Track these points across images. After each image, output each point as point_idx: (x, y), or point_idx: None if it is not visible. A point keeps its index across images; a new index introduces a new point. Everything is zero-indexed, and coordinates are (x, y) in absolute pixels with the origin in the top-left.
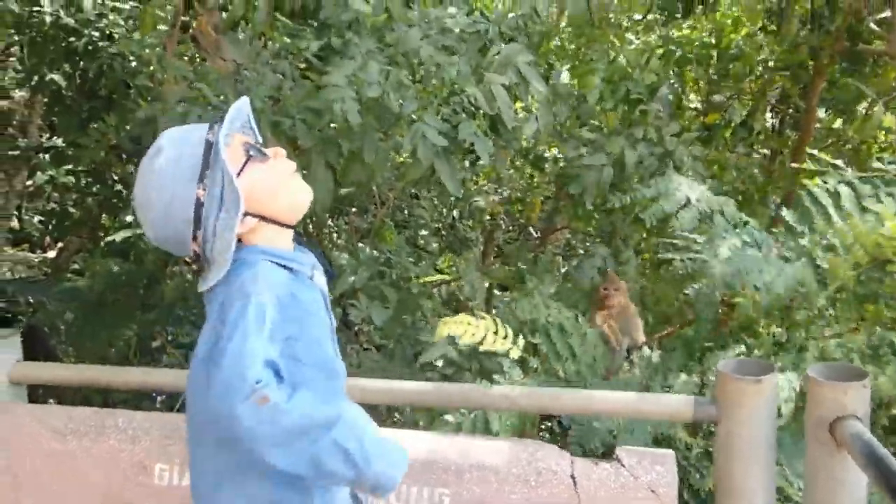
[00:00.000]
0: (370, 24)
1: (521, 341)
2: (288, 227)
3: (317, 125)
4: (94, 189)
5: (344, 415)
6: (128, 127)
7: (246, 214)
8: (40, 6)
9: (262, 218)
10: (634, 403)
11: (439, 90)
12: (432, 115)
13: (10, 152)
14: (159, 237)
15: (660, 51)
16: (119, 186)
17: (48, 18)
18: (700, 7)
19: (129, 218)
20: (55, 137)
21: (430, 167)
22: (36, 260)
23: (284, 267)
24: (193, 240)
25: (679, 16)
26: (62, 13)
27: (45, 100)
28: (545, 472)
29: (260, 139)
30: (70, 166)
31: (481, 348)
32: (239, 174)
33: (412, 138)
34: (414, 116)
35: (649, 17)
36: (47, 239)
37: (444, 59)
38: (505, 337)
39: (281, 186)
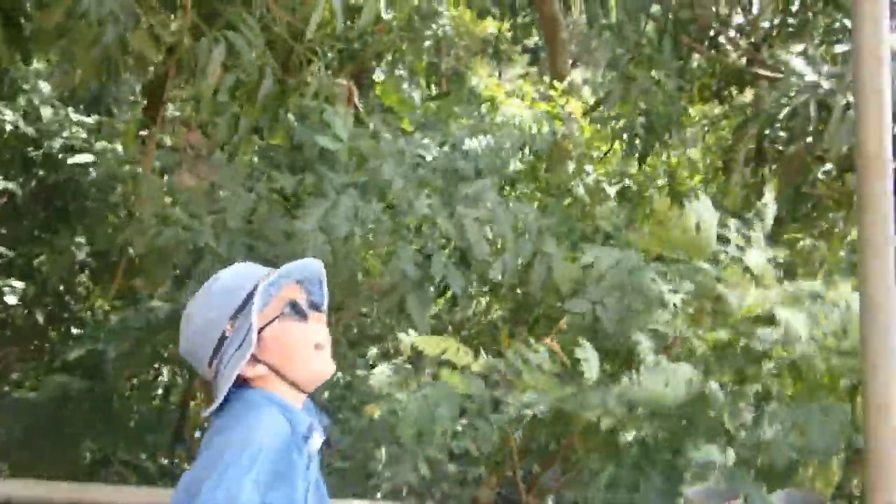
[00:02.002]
0: (346, 155)
1: (482, 359)
2: (301, 390)
3: (292, 252)
4: (45, 302)
5: None
6: (81, 240)
7: (259, 362)
8: (1, 114)
9: (276, 372)
10: None
11: (412, 222)
12: (405, 247)
13: None
14: (187, 350)
15: (616, 187)
16: (68, 298)
17: (8, 127)
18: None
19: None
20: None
21: (401, 298)
22: None
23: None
24: (209, 365)
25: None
26: (21, 123)
27: None
28: None
29: (321, 301)
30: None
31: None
32: (268, 324)
33: (390, 272)
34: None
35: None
36: None
37: (415, 194)
38: (466, 354)
39: (299, 350)
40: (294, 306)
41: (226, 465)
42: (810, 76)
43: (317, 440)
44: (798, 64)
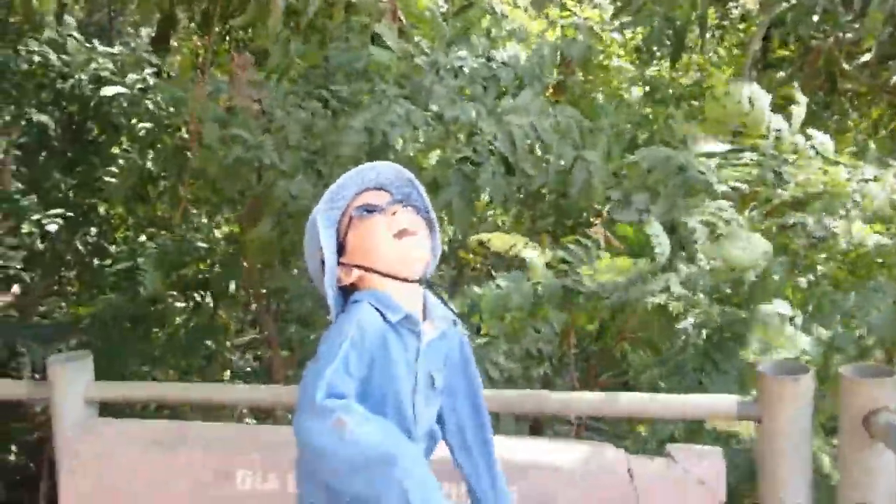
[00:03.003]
0: (392, 71)
1: (548, 252)
2: (397, 279)
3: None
4: (83, 231)
5: (413, 468)
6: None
7: (349, 266)
8: (27, 47)
9: (364, 268)
10: (683, 405)
11: (458, 130)
12: (452, 155)
13: None
14: (315, 283)
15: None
16: (105, 227)
17: (36, 58)
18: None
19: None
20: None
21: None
22: (2, 303)
23: (380, 312)
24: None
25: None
26: (51, 56)
27: (18, 143)
28: (604, 468)
29: (402, 196)
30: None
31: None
32: (347, 232)
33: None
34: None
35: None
36: None
37: (460, 102)
38: (534, 247)
39: (377, 241)
40: (362, 207)
41: (317, 359)
42: None
43: (428, 330)
44: None
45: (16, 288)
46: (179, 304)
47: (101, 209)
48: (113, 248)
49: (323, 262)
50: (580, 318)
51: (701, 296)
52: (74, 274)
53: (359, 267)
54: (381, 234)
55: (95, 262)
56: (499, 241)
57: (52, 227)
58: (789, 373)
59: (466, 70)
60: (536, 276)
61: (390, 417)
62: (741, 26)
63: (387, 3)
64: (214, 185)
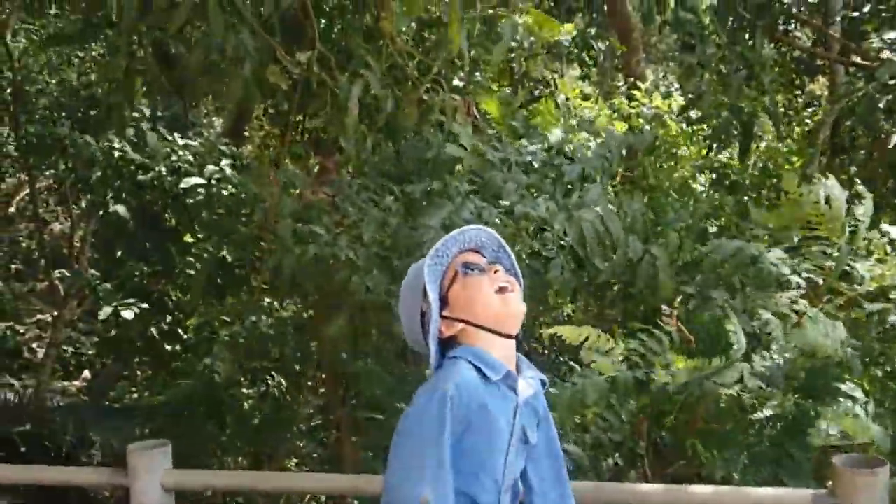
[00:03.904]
0: (465, 165)
1: (622, 344)
2: (498, 334)
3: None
4: (156, 318)
5: None
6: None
7: (452, 319)
8: (110, 141)
9: (467, 322)
10: (756, 498)
11: (529, 226)
12: (523, 249)
13: (61, 283)
14: (411, 341)
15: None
16: (178, 315)
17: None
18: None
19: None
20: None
21: None
22: (73, 388)
23: (479, 370)
24: (425, 340)
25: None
26: (129, 149)
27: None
28: None
29: (496, 258)
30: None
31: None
32: (450, 287)
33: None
34: None
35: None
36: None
37: (530, 198)
38: (607, 341)
39: (480, 296)
40: (466, 265)
41: (414, 409)
42: None
43: (524, 388)
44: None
45: (86, 373)
46: (250, 391)
47: (175, 296)
48: (185, 335)
49: (423, 317)
50: (651, 410)
51: (773, 389)
52: (147, 360)
53: (462, 321)
54: (485, 290)
55: (167, 348)
56: (570, 333)
57: (128, 315)
58: (864, 466)
59: (536, 164)
60: (607, 371)
61: (483, 472)
62: (808, 112)
63: (460, 101)
64: (293, 279)
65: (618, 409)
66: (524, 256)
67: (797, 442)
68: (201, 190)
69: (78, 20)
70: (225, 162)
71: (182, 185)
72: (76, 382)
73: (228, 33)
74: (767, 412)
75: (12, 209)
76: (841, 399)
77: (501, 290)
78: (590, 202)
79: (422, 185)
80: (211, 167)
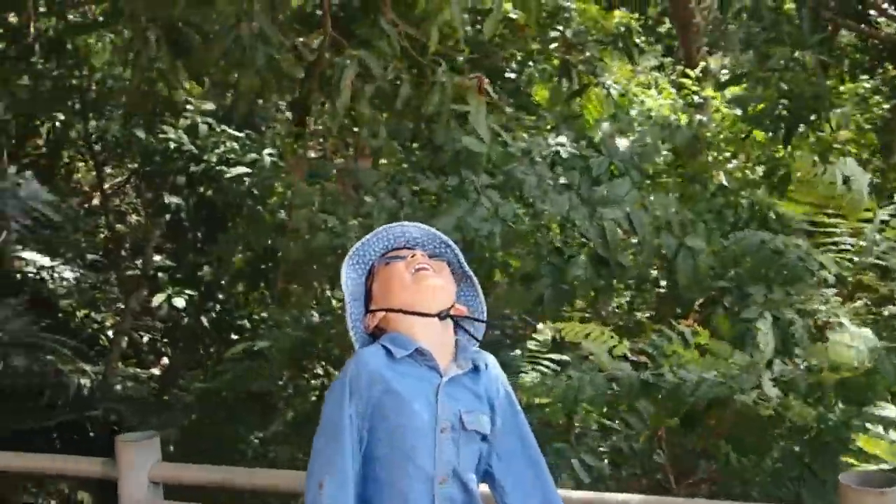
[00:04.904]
0: (484, 159)
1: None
2: (415, 314)
3: None
4: (208, 308)
5: None
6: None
7: (373, 311)
8: (164, 133)
9: (384, 310)
10: None
11: (550, 222)
12: (543, 246)
13: (127, 273)
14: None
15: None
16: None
17: (172, 144)
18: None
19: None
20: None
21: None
22: (145, 376)
23: (388, 351)
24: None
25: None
26: (185, 139)
27: (162, 222)
28: None
29: (415, 243)
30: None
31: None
32: (372, 283)
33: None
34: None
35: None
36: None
37: (553, 192)
38: (611, 337)
39: (395, 280)
40: (385, 257)
41: (320, 432)
42: None
43: (451, 368)
44: None
45: (165, 360)
46: (296, 383)
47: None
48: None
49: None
50: (660, 416)
51: (795, 398)
52: (208, 349)
53: (380, 310)
54: (400, 275)
55: (222, 336)
56: (572, 331)
57: (180, 302)
58: (877, 485)
59: (565, 155)
60: (605, 367)
61: (403, 458)
62: (877, 99)
63: (474, 81)
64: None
65: (625, 410)
66: (545, 254)
67: (823, 459)
68: (247, 179)
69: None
70: (268, 151)
71: (227, 175)
72: (154, 370)
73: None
74: (788, 424)
75: (96, 201)
76: (869, 423)
77: (417, 270)
78: (617, 198)
79: (436, 181)
80: (252, 157)
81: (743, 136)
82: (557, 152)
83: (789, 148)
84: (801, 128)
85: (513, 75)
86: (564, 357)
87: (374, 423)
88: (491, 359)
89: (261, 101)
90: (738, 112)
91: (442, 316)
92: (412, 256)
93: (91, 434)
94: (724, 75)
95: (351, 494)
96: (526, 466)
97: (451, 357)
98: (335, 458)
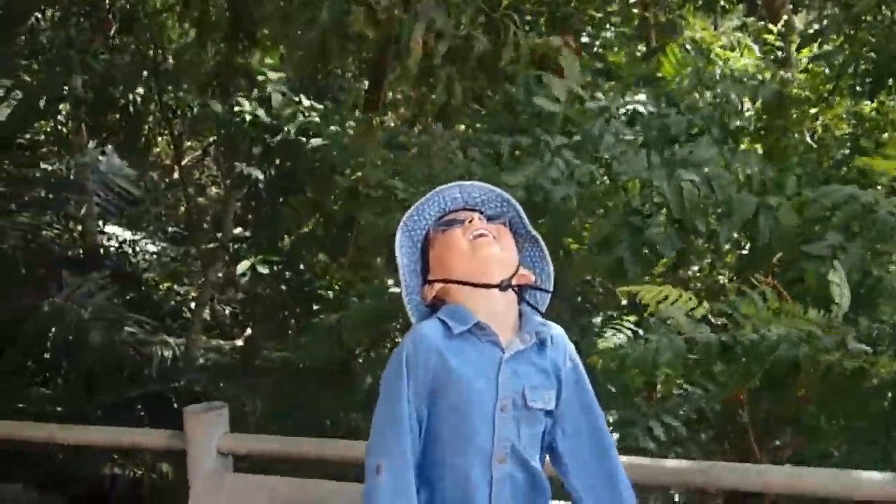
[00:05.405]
0: (562, 117)
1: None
2: (474, 285)
3: None
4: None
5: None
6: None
7: (432, 281)
8: (240, 105)
9: (443, 281)
10: (838, 481)
11: (628, 184)
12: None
13: (207, 245)
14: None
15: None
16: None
17: (247, 116)
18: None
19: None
20: (245, 231)
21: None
22: (227, 347)
23: (446, 325)
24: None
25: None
26: (261, 112)
27: (240, 194)
28: None
29: (475, 204)
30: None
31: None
32: (431, 250)
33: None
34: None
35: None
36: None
37: (631, 152)
38: (690, 299)
39: (453, 249)
40: (441, 222)
41: (384, 379)
42: None
43: (514, 343)
44: None
45: (249, 331)
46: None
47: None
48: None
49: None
50: (739, 378)
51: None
52: (291, 320)
53: (438, 281)
54: (457, 243)
55: (314, 307)
56: (649, 294)
57: (264, 270)
58: None
59: (645, 112)
60: (684, 328)
61: (462, 438)
62: None
63: (560, 39)
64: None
65: (703, 373)
66: (622, 215)
67: None
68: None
69: None
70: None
71: (309, 145)
72: (237, 342)
73: None
74: (875, 382)
75: (175, 175)
76: None
77: (476, 237)
78: (697, 159)
79: (509, 141)
80: (334, 129)
81: (826, 94)
82: (636, 110)
83: (874, 103)
84: (890, 82)
85: (587, 39)
86: (644, 320)
87: (433, 403)
88: (558, 330)
89: (335, 69)
90: (825, 70)
91: (503, 286)
92: (469, 221)
93: (175, 405)
94: (808, 32)
95: (409, 481)
96: (592, 445)
97: (515, 330)
98: (393, 443)
